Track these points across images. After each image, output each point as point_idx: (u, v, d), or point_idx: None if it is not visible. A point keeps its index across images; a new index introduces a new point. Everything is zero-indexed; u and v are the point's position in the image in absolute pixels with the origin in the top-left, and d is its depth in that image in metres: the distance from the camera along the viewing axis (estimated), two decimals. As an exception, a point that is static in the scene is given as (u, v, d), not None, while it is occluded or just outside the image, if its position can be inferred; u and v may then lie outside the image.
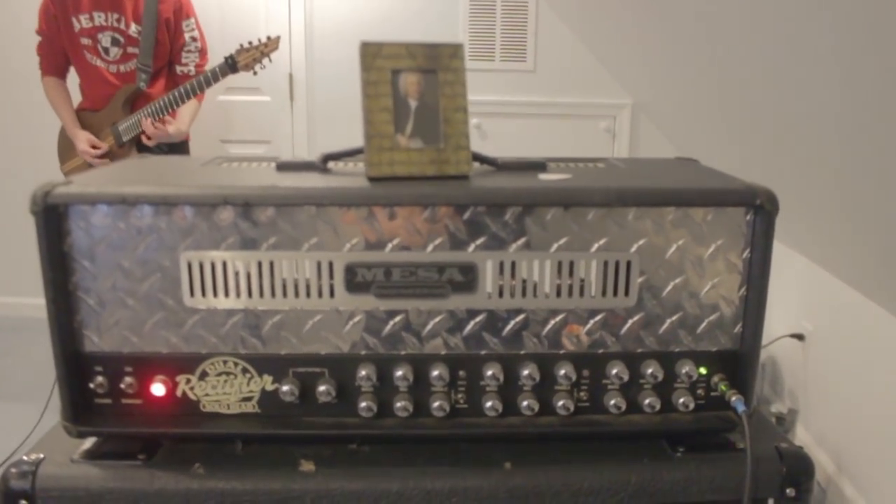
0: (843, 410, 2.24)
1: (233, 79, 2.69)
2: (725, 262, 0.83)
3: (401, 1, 3.44)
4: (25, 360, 3.26)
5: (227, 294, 0.81)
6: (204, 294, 0.81)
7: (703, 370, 0.85)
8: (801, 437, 2.48)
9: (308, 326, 0.82)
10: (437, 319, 0.83)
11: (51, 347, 0.80)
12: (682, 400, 0.85)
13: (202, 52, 2.78)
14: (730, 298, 0.84)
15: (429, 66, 0.86)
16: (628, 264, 0.82)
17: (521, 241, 0.81)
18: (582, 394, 0.85)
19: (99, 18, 2.61)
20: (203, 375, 0.83)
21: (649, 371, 0.84)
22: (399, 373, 0.82)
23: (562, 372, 0.83)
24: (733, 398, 0.82)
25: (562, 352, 0.84)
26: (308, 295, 0.81)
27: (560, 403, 0.84)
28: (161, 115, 2.62)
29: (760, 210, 0.81)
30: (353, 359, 0.83)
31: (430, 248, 0.81)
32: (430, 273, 0.81)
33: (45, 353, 0.83)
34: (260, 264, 0.80)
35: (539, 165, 0.96)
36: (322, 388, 0.82)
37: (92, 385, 0.82)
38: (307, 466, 0.83)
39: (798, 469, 0.85)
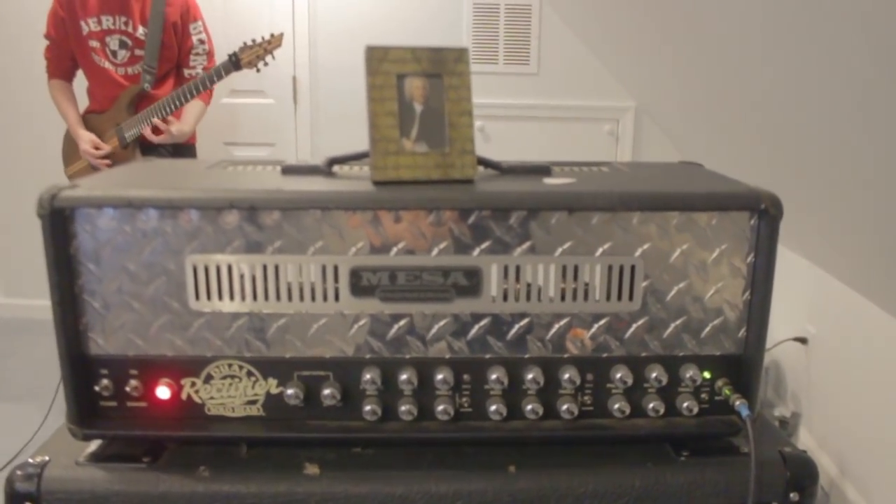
0: (846, 414, 2.23)
1: (237, 81, 2.69)
2: (729, 266, 0.83)
3: (404, 4, 3.45)
4: (29, 362, 3.26)
5: (232, 297, 0.81)
6: (209, 297, 0.81)
7: (706, 374, 0.85)
8: (805, 440, 2.47)
9: (313, 330, 0.82)
10: (441, 323, 0.83)
11: (55, 349, 0.80)
12: (686, 404, 0.85)
13: (210, 55, 2.79)
14: (734, 303, 0.84)
15: (434, 70, 0.87)
16: (632, 268, 0.82)
17: (526, 245, 0.81)
18: (586, 398, 0.85)
19: (107, 22, 2.62)
20: (208, 378, 0.83)
21: (653, 375, 0.84)
22: (403, 376, 0.82)
23: (566, 376, 0.83)
24: (737, 402, 0.82)
25: (566, 356, 0.84)
26: (313, 298, 0.81)
27: (564, 407, 0.84)
28: (164, 115, 2.62)
29: (764, 214, 0.81)
30: (357, 362, 0.83)
31: (434, 251, 0.81)
32: (435, 277, 0.81)
33: (49, 355, 0.83)
34: (265, 268, 0.80)
35: (543, 170, 0.96)
36: (327, 391, 0.82)
37: (97, 388, 0.82)
38: (312, 470, 0.83)
39: (802, 473, 0.85)
